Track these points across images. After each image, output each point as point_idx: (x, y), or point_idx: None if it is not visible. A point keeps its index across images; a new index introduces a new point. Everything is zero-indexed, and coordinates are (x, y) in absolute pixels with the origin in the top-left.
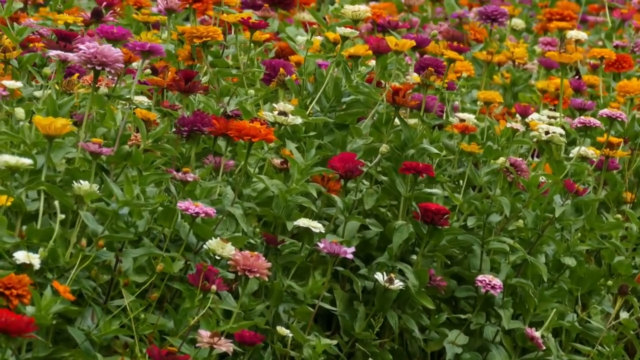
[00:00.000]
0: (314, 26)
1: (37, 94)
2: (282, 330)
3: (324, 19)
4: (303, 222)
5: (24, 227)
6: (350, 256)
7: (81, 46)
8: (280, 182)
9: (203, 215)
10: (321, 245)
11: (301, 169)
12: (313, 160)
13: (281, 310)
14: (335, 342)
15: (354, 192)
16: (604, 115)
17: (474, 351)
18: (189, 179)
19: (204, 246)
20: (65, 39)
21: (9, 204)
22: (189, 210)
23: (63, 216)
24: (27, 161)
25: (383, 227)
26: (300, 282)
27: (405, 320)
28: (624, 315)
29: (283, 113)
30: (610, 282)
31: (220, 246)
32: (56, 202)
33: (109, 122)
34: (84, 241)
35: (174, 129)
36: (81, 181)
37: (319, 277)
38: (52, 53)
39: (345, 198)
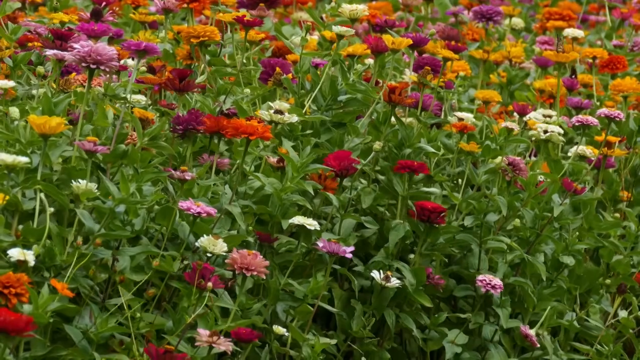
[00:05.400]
0: (308, 23)
1: (34, 92)
2: (278, 329)
3: (321, 18)
4: (298, 219)
5: (20, 227)
6: (349, 256)
7: (75, 45)
8: (276, 180)
9: (205, 215)
10: (320, 244)
11: (297, 167)
12: (309, 158)
13: (280, 309)
14: (334, 341)
15: (349, 190)
16: (602, 115)
17: (473, 350)
18: (187, 177)
19: (196, 244)
20: (61, 38)
21: (3, 202)
22: (191, 210)
23: (52, 210)
24: (23, 159)
25: (381, 226)
26: (298, 280)
27: (404, 319)
28: (622, 314)
29: (279, 111)
30: (608, 281)
31: (211, 243)
32: (42, 195)
33: (103, 121)
34: (80, 239)
35: (170, 128)
36: (80, 180)
37: (320, 277)
38: (49, 52)
39: (341, 196)
